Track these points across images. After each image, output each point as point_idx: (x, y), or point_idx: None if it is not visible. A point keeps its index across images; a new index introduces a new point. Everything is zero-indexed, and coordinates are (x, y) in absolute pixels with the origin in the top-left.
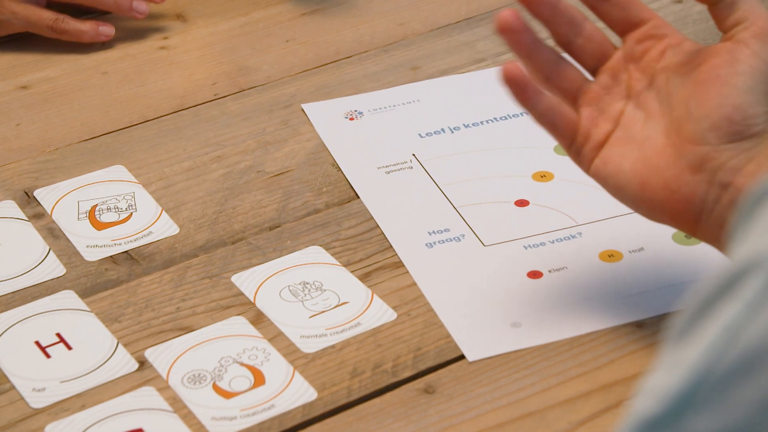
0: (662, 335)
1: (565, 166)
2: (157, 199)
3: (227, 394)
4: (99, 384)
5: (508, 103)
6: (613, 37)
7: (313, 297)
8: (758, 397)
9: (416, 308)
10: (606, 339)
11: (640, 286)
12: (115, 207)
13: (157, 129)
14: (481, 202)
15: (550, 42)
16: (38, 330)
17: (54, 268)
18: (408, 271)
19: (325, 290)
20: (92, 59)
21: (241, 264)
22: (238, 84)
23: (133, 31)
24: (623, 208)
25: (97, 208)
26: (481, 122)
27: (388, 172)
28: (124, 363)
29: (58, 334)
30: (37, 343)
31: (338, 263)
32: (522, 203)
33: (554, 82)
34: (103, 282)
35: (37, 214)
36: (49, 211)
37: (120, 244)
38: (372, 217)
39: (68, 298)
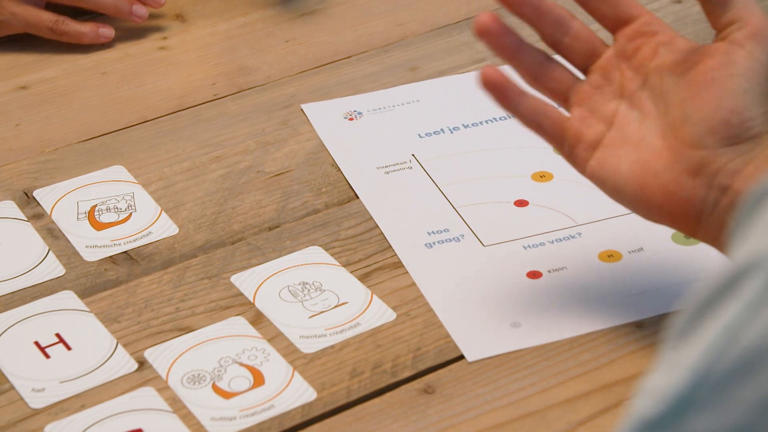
0: (662, 335)
1: (564, 166)
2: (157, 200)
3: (227, 395)
4: (98, 384)
5: None
6: (607, 36)
7: (313, 297)
8: (758, 397)
9: (416, 308)
10: (605, 339)
11: (640, 286)
12: (115, 207)
13: (157, 129)
14: (480, 202)
15: (542, 44)
16: (38, 330)
17: (53, 268)
18: (407, 272)
19: (324, 290)
20: (91, 59)
21: (240, 264)
22: (237, 84)
23: (133, 31)
24: (623, 209)
25: (96, 209)
26: (481, 122)
27: (388, 173)
28: (124, 363)
29: (58, 335)
30: (36, 343)
31: (338, 263)
32: (521, 203)
33: (543, 82)
34: (102, 282)
35: (36, 214)
36: (48, 212)
37: (119, 244)
38: (371, 218)
39: (68, 298)
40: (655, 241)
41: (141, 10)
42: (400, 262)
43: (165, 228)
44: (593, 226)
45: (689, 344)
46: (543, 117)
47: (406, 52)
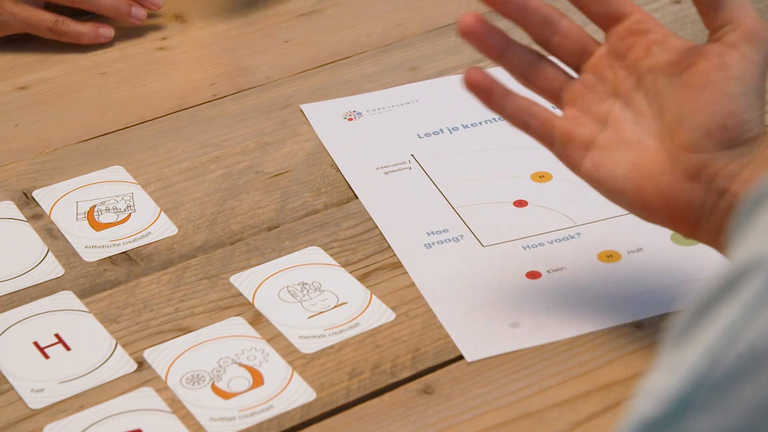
0: (661, 335)
1: (563, 166)
2: (156, 200)
3: (226, 395)
4: (98, 384)
5: None
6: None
7: (312, 297)
8: (758, 398)
9: (415, 309)
10: (605, 339)
11: (639, 287)
12: (114, 207)
13: (156, 129)
14: (479, 202)
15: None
16: (37, 331)
17: (53, 268)
18: (407, 272)
19: (323, 291)
20: (91, 60)
21: (239, 264)
22: (236, 84)
23: (132, 31)
24: (622, 209)
25: (95, 209)
26: (480, 123)
27: (387, 173)
28: (123, 364)
29: (57, 335)
30: (35, 343)
31: (337, 264)
32: (521, 203)
33: (534, 82)
34: (101, 283)
35: (35, 214)
36: (47, 212)
37: (118, 244)
38: (371, 218)
39: (67, 298)
40: (654, 242)
41: (139, 11)
42: (399, 262)
43: (164, 228)
44: (592, 226)
45: (689, 345)
46: (530, 117)
47: (405, 52)
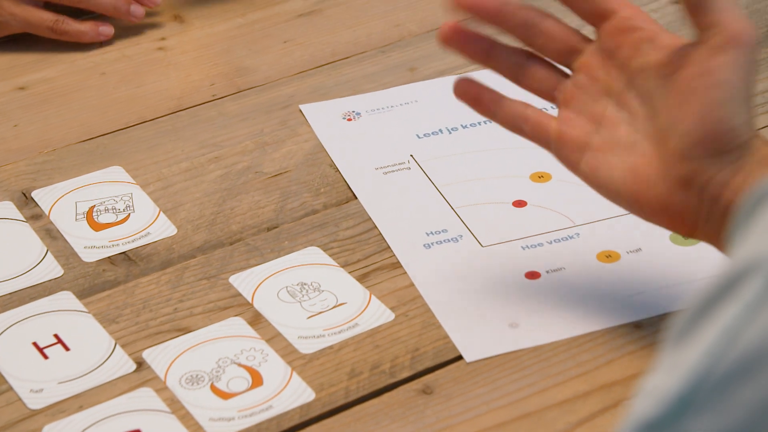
0: (660, 336)
1: (562, 166)
2: (155, 200)
3: (225, 395)
4: (97, 385)
5: None
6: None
7: (311, 298)
8: (758, 398)
9: (414, 309)
10: (604, 339)
11: (638, 287)
12: (113, 208)
13: (155, 130)
14: (479, 202)
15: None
16: (36, 331)
17: (52, 269)
18: (406, 272)
19: (323, 291)
20: (90, 60)
21: (239, 265)
22: (235, 85)
23: (131, 32)
24: (621, 209)
25: (94, 209)
26: (479, 123)
27: (386, 173)
28: (122, 364)
29: (56, 335)
30: (34, 344)
31: (336, 264)
32: (520, 204)
33: (525, 83)
34: (100, 283)
35: (34, 215)
36: (46, 212)
37: (118, 245)
38: (370, 218)
39: (66, 299)
40: (653, 242)
41: (138, 9)
42: (398, 262)
43: (163, 228)
44: (592, 226)
45: (689, 345)
46: (523, 121)
47: (404, 52)
